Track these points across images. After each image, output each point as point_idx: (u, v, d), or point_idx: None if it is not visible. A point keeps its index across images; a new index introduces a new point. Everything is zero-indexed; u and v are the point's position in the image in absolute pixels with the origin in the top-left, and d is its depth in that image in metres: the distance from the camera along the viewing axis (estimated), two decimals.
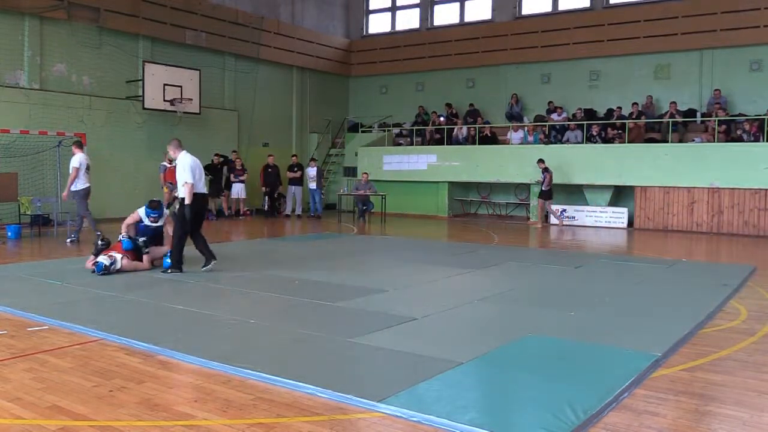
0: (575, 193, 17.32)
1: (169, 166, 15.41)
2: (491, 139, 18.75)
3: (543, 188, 16.33)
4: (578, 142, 17.16)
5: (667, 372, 4.54)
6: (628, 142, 16.43)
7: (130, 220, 8.62)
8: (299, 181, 18.33)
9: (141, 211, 8.65)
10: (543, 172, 16.25)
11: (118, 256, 8.14)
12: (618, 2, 18.67)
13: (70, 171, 11.31)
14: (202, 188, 8.52)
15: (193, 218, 8.32)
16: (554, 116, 18.31)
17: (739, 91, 16.86)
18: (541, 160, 16.35)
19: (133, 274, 8.07)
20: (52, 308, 6.15)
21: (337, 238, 13.00)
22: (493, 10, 20.52)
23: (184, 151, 8.41)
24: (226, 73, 19.03)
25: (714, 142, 15.34)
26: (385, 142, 20.45)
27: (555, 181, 16.56)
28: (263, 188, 18.29)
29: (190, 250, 8.53)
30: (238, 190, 17.57)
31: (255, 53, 19.42)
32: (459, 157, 18.45)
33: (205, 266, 8.41)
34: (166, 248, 8.63)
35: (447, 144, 19.18)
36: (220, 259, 9.03)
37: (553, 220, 16.93)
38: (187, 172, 8.19)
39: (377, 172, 19.28)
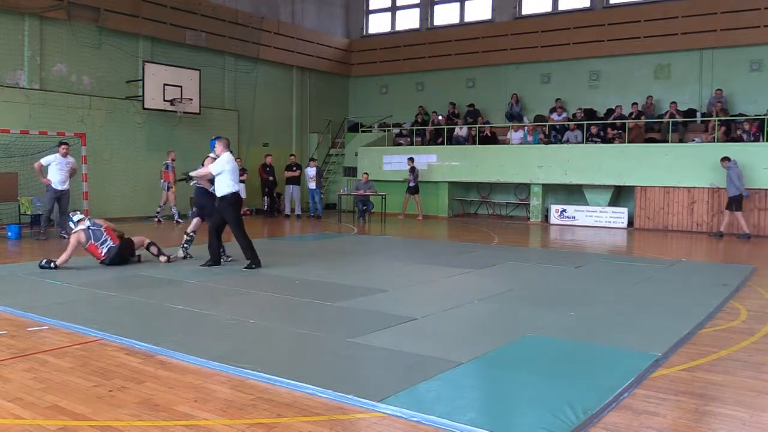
0: (575, 193, 17.33)
1: (174, 165, 15.46)
2: (491, 139, 18.76)
3: (410, 184, 17.92)
4: (578, 142, 17.16)
5: (667, 372, 4.54)
6: (628, 142, 16.42)
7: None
8: (297, 181, 18.32)
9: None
10: (410, 171, 17.80)
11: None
12: (618, 2, 18.66)
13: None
14: (236, 188, 8.75)
15: (221, 220, 8.71)
16: (554, 116, 18.31)
17: (739, 91, 16.86)
18: (410, 159, 18.04)
19: (133, 274, 8.08)
20: (52, 308, 6.16)
21: (337, 238, 12.99)
22: (493, 10, 20.52)
23: (228, 152, 8.80)
24: (226, 73, 19.02)
25: (714, 142, 15.35)
26: (385, 142, 20.44)
27: (555, 181, 17.01)
28: (265, 188, 18.31)
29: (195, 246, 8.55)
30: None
31: (255, 53, 19.41)
32: (459, 157, 18.45)
33: (204, 264, 8.70)
34: (141, 238, 9.15)
35: (447, 144, 19.19)
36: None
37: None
38: (228, 172, 8.56)
39: (377, 172, 19.27)
